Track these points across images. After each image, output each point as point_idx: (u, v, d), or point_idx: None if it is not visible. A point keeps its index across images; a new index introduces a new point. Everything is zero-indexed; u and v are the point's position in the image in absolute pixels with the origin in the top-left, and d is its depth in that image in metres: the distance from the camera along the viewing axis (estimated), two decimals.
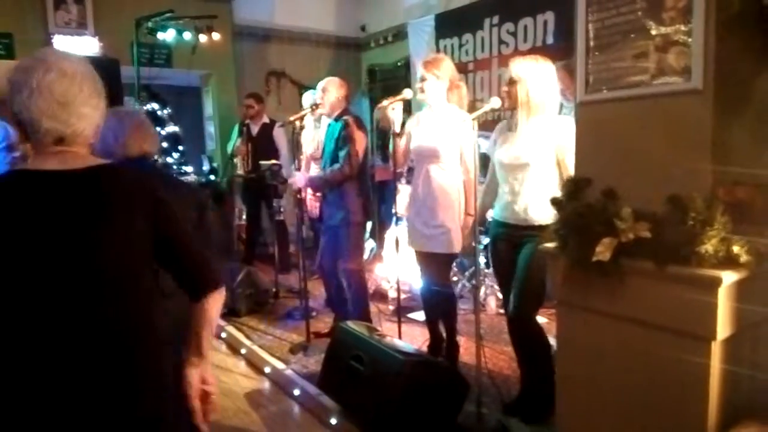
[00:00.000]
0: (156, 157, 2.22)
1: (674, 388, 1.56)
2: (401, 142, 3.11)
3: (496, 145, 2.64)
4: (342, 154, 3.39)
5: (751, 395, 1.58)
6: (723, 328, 1.47)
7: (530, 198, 2.47)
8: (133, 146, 1.90)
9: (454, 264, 4.38)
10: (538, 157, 2.44)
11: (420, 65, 3.06)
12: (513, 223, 2.54)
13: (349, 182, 3.45)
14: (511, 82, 2.49)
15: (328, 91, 3.50)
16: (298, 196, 3.82)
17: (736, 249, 1.45)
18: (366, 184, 3.62)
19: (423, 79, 2.96)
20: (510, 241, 2.56)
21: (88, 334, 1.17)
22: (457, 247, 2.98)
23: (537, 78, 2.43)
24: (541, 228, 2.37)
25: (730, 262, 1.46)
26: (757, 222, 1.51)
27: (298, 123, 3.59)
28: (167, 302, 1.41)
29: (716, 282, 1.43)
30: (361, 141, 3.45)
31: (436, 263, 3.04)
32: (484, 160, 3.08)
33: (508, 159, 2.54)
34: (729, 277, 1.44)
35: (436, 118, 2.98)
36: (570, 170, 2.31)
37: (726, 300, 1.46)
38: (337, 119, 3.50)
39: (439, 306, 3.15)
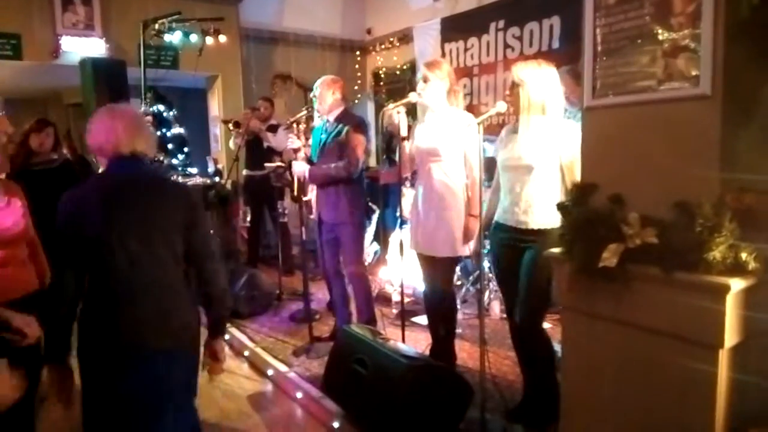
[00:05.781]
0: (157, 157, 2.15)
1: (681, 395, 1.55)
2: (407, 146, 3.10)
3: (500, 148, 2.63)
4: (345, 155, 3.39)
5: (759, 404, 1.57)
6: (731, 335, 1.46)
7: (532, 201, 2.46)
8: (125, 145, 1.79)
9: (458, 268, 4.38)
10: (540, 160, 2.43)
11: (422, 66, 3.07)
12: (514, 226, 2.52)
13: (349, 184, 3.44)
14: (514, 86, 2.49)
15: (320, 92, 3.52)
16: (304, 198, 3.82)
17: (744, 256, 1.44)
18: (363, 185, 3.63)
19: (426, 80, 2.96)
20: (511, 245, 2.55)
21: None
22: (460, 250, 2.97)
23: (539, 82, 2.43)
24: (543, 232, 2.37)
25: (738, 269, 1.44)
26: (766, 229, 1.49)
27: (302, 125, 3.63)
28: None
29: (724, 289, 1.42)
30: (363, 143, 3.45)
31: (438, 266, 3.03)
32: (489, 164, 3.07)
33: (510, 161, 2.54)
34: (737, 285, 1.43)
35: (438, 119, 2.98)
36: (575, 175, 2.31)
37: (734, 307, 1.45)
38: (337, 120, 3.50)
39: (441, 310, 3.13)
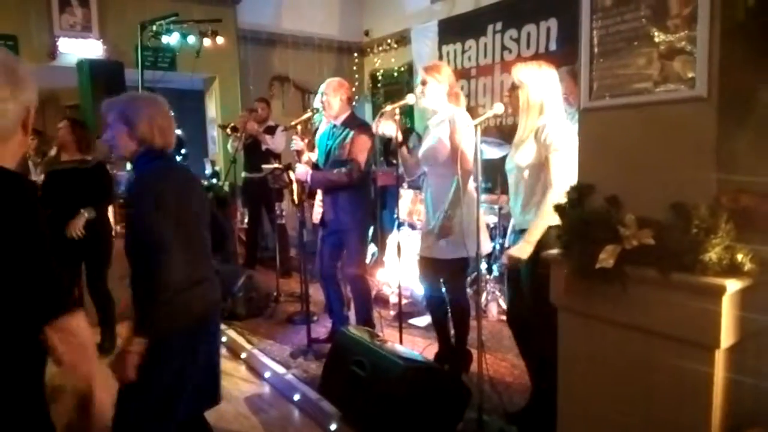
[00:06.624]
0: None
1: (677, 396, 1.55)
2: (404, 150, 3.10)
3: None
4: (348, 160, 3.39)
5: (755, 404, 1.57)
6: (727, 336, 1.46)
7: (528, 201, 2.46)
8: (160, 136, 1.91)
9: None
10: (529, 160, 2.42)
11: (420, 70, 3.08)
12: (518, 228, 2.55)
13: (356, 189, 3.43)
14: (513, 88, 2.48)
15: (327, 95, 3.49)
16: (306, 200, 3.80)
17: (740, 257, 1.45)
18: (370, 189, 3.61)
19: (424, 83, 2.96)
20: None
21: None
22: (463, 252, 2.94)
23: (539, 84, 2.42)
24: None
25: (734, 270, 1.45)
26: (762, 230, 1.50)
27: (300, 127, 3.61)
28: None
29: (720, 290, 1.43)
30: (367, 149, 3.44)
31: (446, 269, 2.99)
32: (485, 166, 3.07)
33: (509, 164, 2.55)
34: (733, 285, 1.43)
35: (439, 122, 2.98)
36: (552, 173, 2.31)
37: (730, 308, 1.45)
38: (344, 125, 3.49)
39: (455, 314, 3.11)
